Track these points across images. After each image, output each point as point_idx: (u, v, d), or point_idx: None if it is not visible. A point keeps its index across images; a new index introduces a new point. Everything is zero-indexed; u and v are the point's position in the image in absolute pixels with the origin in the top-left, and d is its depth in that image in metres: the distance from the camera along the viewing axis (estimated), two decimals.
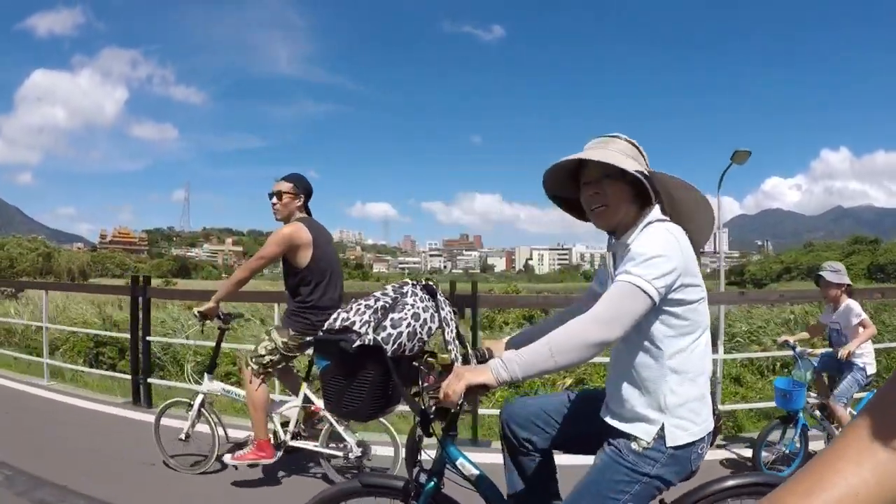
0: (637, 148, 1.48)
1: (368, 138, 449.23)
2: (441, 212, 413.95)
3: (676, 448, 1.35)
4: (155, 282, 7.47)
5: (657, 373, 1.37)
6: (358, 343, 1.41)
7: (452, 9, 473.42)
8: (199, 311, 3.25)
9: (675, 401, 1.36)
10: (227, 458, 3.10)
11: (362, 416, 1.53)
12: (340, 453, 3.03)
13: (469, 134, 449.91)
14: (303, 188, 3.18)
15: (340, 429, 3.02)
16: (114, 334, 6.99)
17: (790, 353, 3.49)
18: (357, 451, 2.99)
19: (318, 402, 3.11)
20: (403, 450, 2.85)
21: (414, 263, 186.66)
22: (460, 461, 1.54)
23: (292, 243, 3.03)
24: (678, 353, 1.36)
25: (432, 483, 1.53)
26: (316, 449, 3.08)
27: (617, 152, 1.42)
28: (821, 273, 3.43)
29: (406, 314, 1.45)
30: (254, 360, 3.06)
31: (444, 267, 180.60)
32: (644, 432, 1.37)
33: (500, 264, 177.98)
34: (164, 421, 3.39)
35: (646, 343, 1.37)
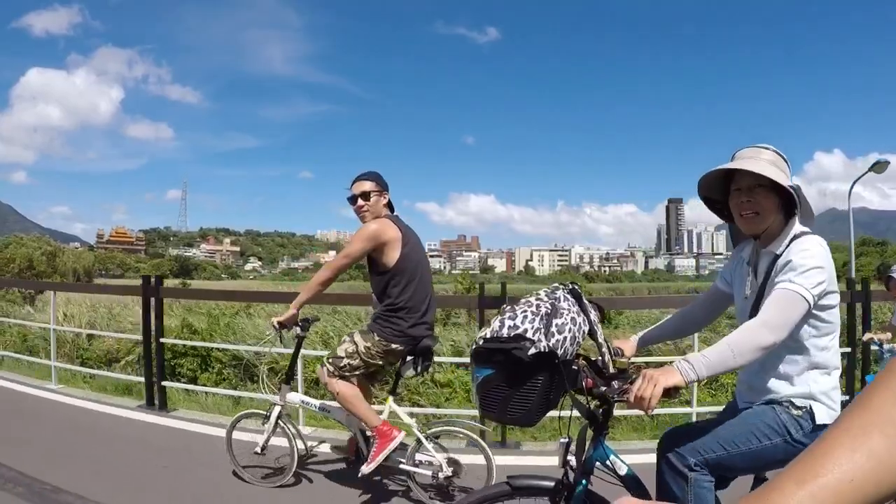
0: (784, 160, 1.60)
1: (362, 138, 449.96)
2: (435, 212, 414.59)
3: (820, 426, 1.48)
4: (168, 282, 7.26)
5: (801, 367, 1.53)
6: (533, 350, 1.43)
7: (446, 11, 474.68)
8: (277, 322, 3.02)
9: (818, 389, 1.52)
10: (363, 468, 2.79)
11: (528, 422, 1.55)
12: (429, 471, 2.84)
13: (462, 135, 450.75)
14: (384, 184, 3.01)
15: (430, 445, 2.84)
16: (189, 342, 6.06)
17: (876, 349, 3.74)
18: (448, 471, 2.80)
19: (406, 418, 2.94)
20: (490, 460, 2.77)
21: None
22: (612, 458, 1.58)
23: (380, 240, 2.82)
24: (820, 350, 1.53)
25: (583, 483, 1.54)
26: (403, 467, 2.88)
27: (767, 163, 1.55)
28: (892, 274, 3.54)
29: (566, 319, 1.48)
30: (331, 360, 2.86)
31: (444, 267, 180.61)
32: (796, 406, 1.53)
33: (500, 265, 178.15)
34: (236, 434, 3.24)
35: (793, 342, 1.51)
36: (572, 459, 1.58)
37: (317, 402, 3.12)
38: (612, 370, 1.56)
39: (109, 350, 6.51)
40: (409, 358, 2.90)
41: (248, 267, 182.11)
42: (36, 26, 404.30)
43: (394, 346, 2.82)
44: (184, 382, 5.47)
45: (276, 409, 3.08)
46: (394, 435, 2.78)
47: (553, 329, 1.45)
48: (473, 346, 1.54)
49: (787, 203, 1.56)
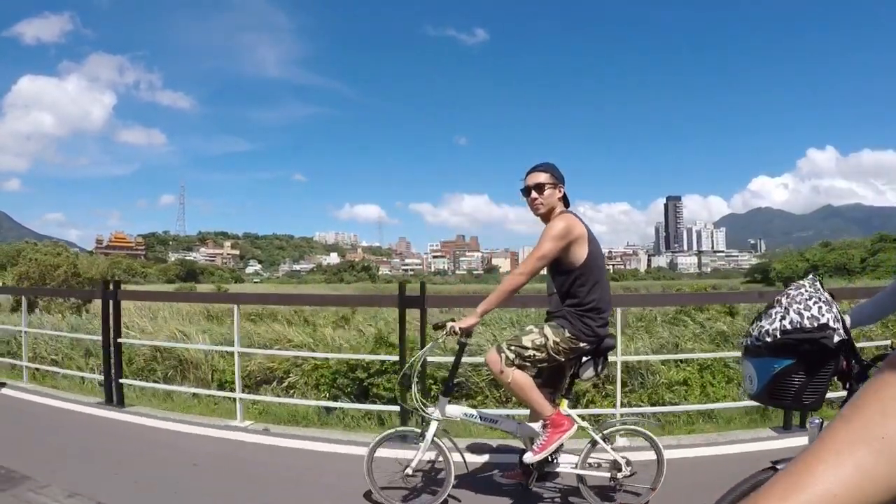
0: None
1: (354, 140, 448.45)
2: (429, 213, 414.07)
3: None
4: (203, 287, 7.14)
5: None
6: (836, 338, 1.54)
7: (434, 12, 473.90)
8: (460, 327, 2.74)
9: None
10: (528, 456, 2.71)
11: (815, 406, 1.62)
12: (607, 473, 2.75)
13: (455, 135, 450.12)
14: (560, 177, 2.85)
15: (608, 446, 2.76)
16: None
17: None
18: (626, 470, 2.71)
19: (580, 421, 2.83)
20: (663, 454, 2.73)
21: (416, 264, 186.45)
22: None
23: (570, 237, 2.68)
24: None
25: None
26: (573, 471, 2.79)
27: None
28: None
29: (832, 308, 1.59)
30: (513, 348, 2.68)
31: (447, 268, 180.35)
32: None
33: (504, 265, 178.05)
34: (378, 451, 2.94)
35: None
36: None
37: (481, 414, 2.90)
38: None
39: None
40: (584, 358, 2.79)
41: (250, 270, 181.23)
42: (27, 34, 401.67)
43: (581, 344, 2.71)
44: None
45: (434, 425, 2.77)
46: (567, 426, 2.69)
47: (838, 317, 1.58)
48: (762, 341, 1.61)
49: None
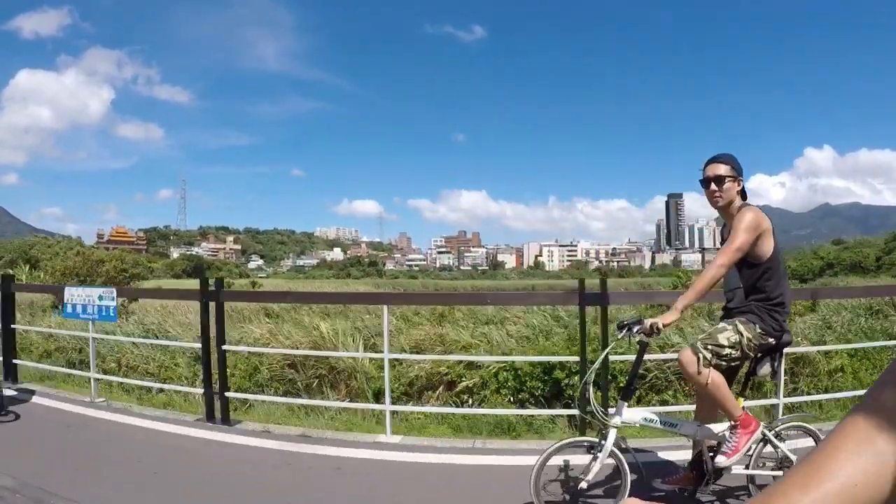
0: None
1: (352, 135, 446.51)
2: (427, 209, 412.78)
3: None
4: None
5: None
6: None
7: (432, 9, 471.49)
8: (663, 324, 2.60)
9: None
10: (721, 460, 2.64)
11: None
12: (778, 471, 2.71)
13: (453, 132, 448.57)
14: (739, 169, 2.80)
15: (779, 442, 2.73)
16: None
17: None
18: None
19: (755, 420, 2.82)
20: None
21: (420, 260, 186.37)
22: None
23: (760, 229, 2.64)
24: None
25: None
26: (745, 471, 2.74)
27: None
28: None
29: None
30: (710, 347, 2.61)
31: (452, 264, 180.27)
32: None
33: (509, 261, 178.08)
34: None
35: None
36: None
37: (660, 418, 2.80)
38: None
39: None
40: (759, 355, 2.75)
41: (252, 265, 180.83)
42: (25, 28, 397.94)
43: (769, 339, 2.67)
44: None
45: (613, 433, 2.62)
46: (755, 426, 2.65)
47: None
48: None
49: None
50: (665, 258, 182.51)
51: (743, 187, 2.82)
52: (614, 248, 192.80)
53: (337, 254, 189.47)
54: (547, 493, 2.71)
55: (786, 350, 4.58)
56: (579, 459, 2.73)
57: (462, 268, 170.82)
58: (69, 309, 5.63)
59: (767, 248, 2.68)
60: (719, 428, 2.74)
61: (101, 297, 5.41)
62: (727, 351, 2.62)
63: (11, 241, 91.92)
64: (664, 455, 3.55)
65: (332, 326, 6.56)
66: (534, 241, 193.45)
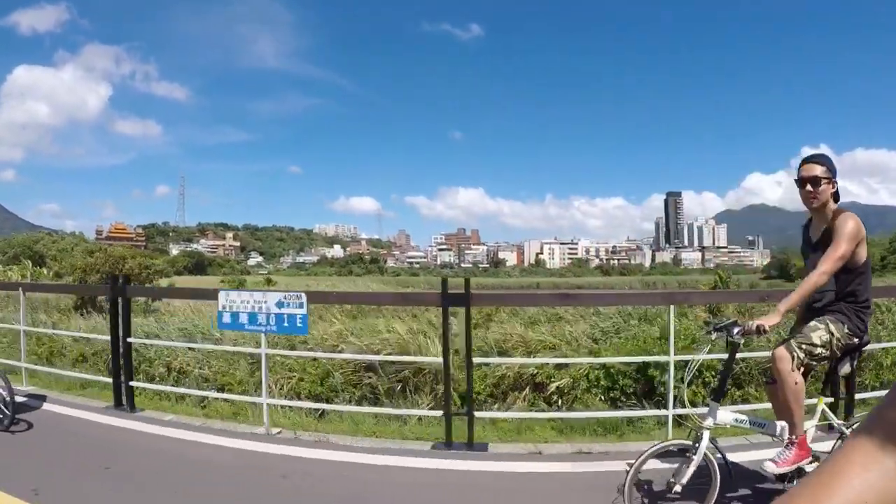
0: None
1: (350, 132, 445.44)
2: (425, 206, 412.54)
3: None
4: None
5: None
6: None
7: (430, 7, 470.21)
8: (769, 325, 2.61)
9: None
10: (770, 466, 2.65)
11: None
12: None
13: (450, 129, 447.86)
14: (834, 170, 2.81)
15: None
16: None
17: None
18: None
19: (837, 421, 2.83)
20: None
21: (421, 257, 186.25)
22: None
23: (860, 237, 2.73)
24: None
25: None
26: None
27: None
28: None
29: None
30: (803, 347, 2.63)
31: (452, 261, 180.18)
32: None
33: (510, 259, 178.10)
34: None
35: None
36: None
37: (750, 418, 2.83)
38: None
39: None
40: (841, 354, 2.78)
41: (252, 262, 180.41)
42: (23, 24, 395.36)
43: (854, 339, 2.72)
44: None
45: (706, 435, 2.64)
46: (807, 453, 2.67)
47: None
48: None
49: None
50: (665, 256, 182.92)
51: (836, 189, 2.84)
52: (614, 246, 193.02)
53: (337, 251, 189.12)
54: (639, 498, 2.72)
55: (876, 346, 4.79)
56: (668, 463, 2.75)
57: (463, 265, 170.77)
58: (226, 319, 4.55)
59: (863, 254, 2.75)
60: (785, 433, 2.74)
61: (280, 304, 4.37)
62: (819, 350, 2.66)
63: (14, 236, 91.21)
64: (746, 455, 3.49)
65: (408, 327, 6.39)
66: (531, 238, 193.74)
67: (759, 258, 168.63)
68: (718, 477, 2.65)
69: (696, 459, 2.59)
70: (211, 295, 5.00)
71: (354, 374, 5.68)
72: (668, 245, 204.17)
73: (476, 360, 4.45)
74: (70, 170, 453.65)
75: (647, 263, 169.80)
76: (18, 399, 4.45)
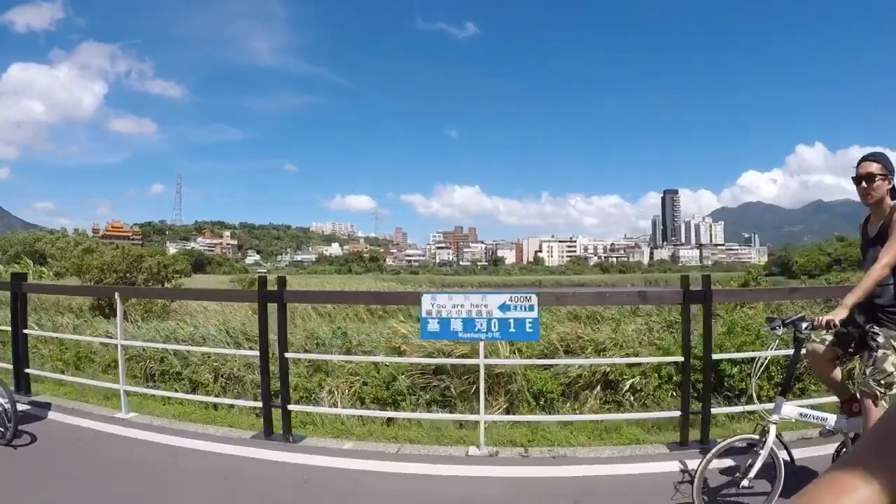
0: None
1: (346, 130, 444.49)
2: (421, 204, 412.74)
3: None
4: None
5: None
6: None
7: (425, 5, 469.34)
8: (839, 320, 2.63)
9: None
10: None
11: None
12: None
13: (446, 127, 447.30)
14: (891, 168, 2.84)
15: None
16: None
17: None
18: None
19: None
20: None
21: (419, 255, 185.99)
22: None
23: None
24: None
25: None
26: None
27: None
28: None
29: None
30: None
31: (451, 259, 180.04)
32: None
33: (509, 256, 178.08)
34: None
35: None
36: None
37: (818, 414, 2.83)
38: None
39: None
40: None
41: (249, 260, 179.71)
42: (19, 22, 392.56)
43: None
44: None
45: (773, 430, 2.63)
46: None
47: None
48: None
49: None
50: (663, 254, 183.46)
51: (893, 185, 2.86)
52: (612, 244, 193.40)
53: (335, 249, 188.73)
54: (708, 494, 2.72)
55: None
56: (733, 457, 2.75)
57: (462, 263, 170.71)
58: (433, 326, 3.96)
59: None
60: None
61: (505, 307, 3.86)
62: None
63: (14, 235, 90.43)
64: (807, 450, 3.49)
65: None
66: (529, 236, 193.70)
67: (756, 255, 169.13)
68: (783, 471, 2.65)
69: (764, 454, 2.60)
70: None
71: (422, 377, 5.54)
72: (665, 242, 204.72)
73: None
74: (65, 168, 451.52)
75: (646, 261, 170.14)
76: (21, 408, 4.16)
